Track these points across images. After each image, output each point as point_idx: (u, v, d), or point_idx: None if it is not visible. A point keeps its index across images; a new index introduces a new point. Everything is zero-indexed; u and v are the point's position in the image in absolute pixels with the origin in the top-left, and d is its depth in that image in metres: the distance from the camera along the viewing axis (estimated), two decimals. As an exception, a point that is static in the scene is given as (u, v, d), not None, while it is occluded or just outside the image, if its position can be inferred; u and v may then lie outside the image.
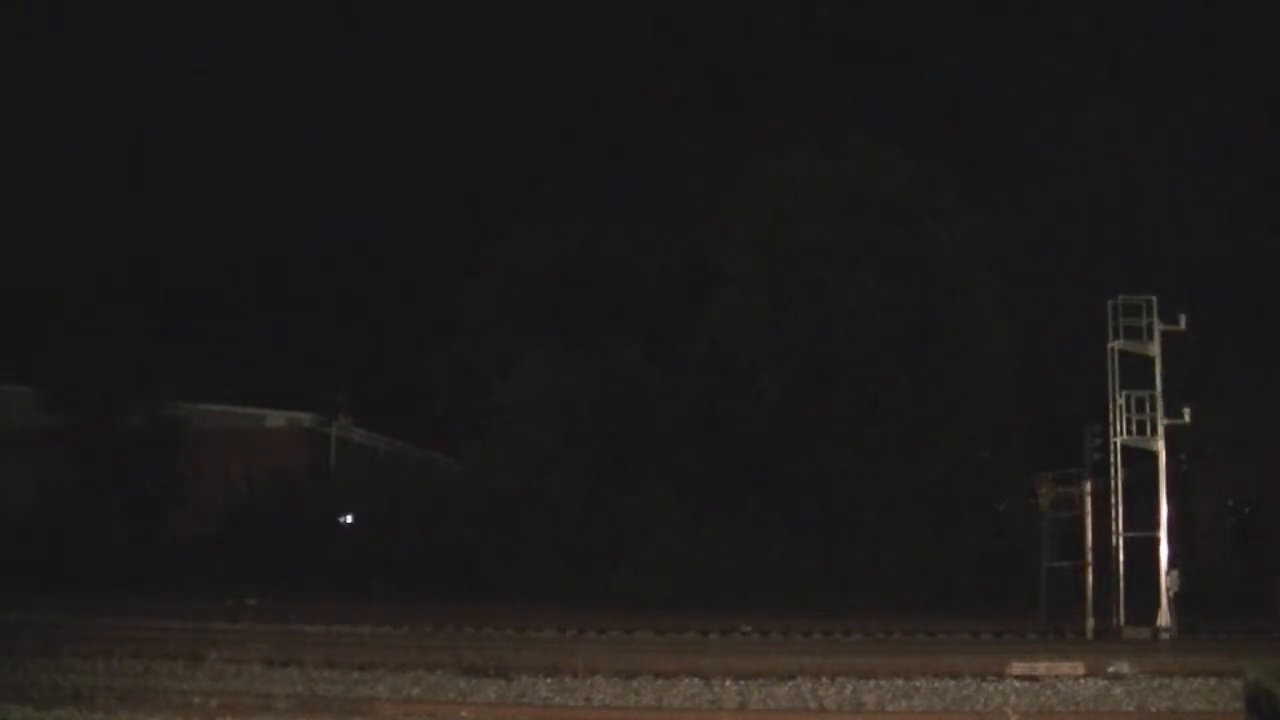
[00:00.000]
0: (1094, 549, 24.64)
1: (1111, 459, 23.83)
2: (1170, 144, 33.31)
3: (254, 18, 37.54)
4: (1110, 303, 23.96)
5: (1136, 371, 23.74)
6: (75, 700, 13.35)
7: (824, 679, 15.46)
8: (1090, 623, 23.41)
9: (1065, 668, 16.10)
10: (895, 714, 14.01)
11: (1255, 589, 28.15)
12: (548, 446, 32.89)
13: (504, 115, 37.15)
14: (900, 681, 15.33)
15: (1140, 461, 24.19)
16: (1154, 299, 23.83)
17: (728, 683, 15.36)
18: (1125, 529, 23.76)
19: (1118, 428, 23.54)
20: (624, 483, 31.79)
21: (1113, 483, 23.80)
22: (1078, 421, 26.61)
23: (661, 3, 36.61)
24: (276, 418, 41.61)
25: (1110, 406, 23.68)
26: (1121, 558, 23.48)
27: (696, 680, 15.45)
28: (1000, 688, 15.20)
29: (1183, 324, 23.71)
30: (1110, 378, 23.75)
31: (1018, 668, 16.09)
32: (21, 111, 35.88)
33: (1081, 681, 15.59)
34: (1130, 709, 14.20)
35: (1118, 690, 15.08)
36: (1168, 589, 22.88)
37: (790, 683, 15.34)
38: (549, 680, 15.41)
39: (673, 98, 36.02)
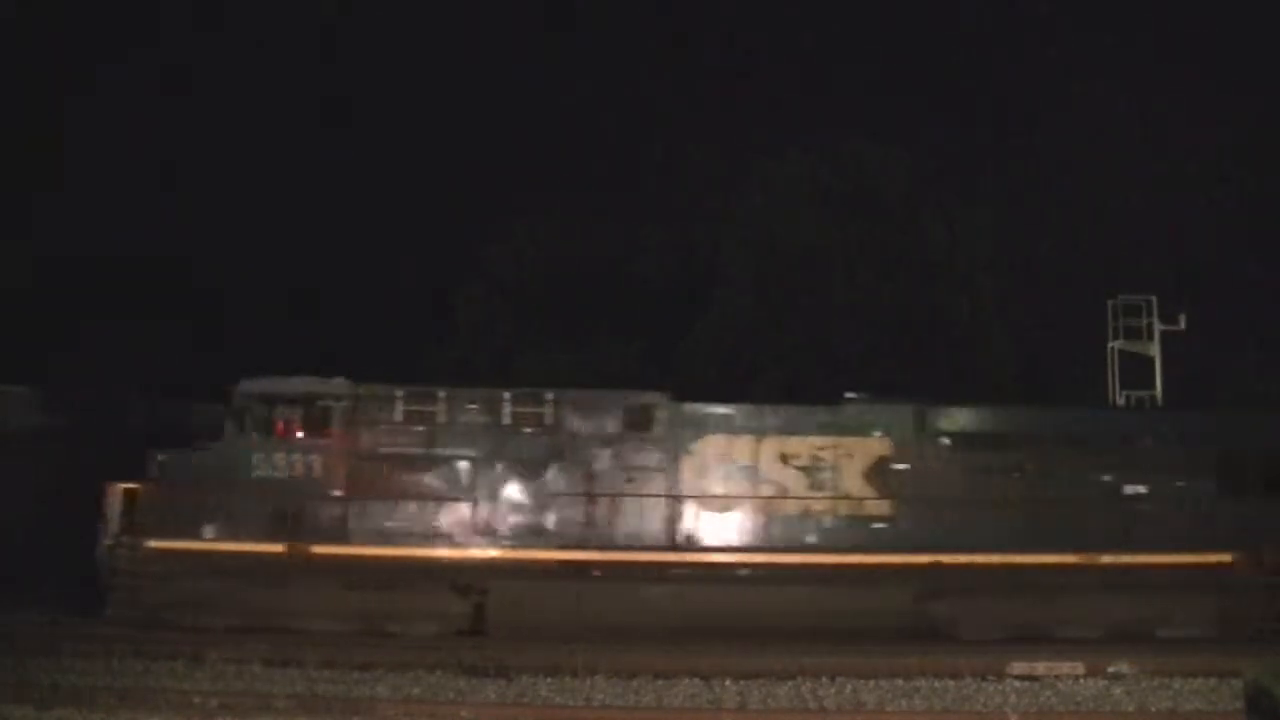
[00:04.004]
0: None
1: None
2: (1171, 142, 33.33)
3: (249, 16, 37.51)
4: (1110, 303, 24.05)
5: (1136, 371, 23.78)
6: (75, 700, 13.36)
7: (824, 679, 15.49)
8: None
9: (1065, 668, 16.13)
10: (895, 714, 14.03)
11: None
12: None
13: (503, 114, 37.12)
14: (900, 681, 15.36)
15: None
16: (1154, 299, 23.90)
17: (728, 683, 15.37)
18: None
19: (1118, 428, 23.53)
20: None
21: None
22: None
23: (661, 2, 36.66)
24: (276, 417, 41.49)
25: (1110, 407, 23.71)
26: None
27: (696, 680, 15.47)
28: (1000, 688, 15.23)
29: (1182, 324, 23.79)
30: (1110, 378, 23.80)
31: (1018, 668, 16.12)
32: (20, 109, 35.86)
33: (1081, 681, 15.62)
34: (1130, 709, 14.23)
35: (1118, 690, 15.10)
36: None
37: (790, 683, 15.36)
38: (549, 680, 15.42)
39: (672, 97, 36.00)
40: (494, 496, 19.65)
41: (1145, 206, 33.10)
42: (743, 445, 20.10)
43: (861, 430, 20.19)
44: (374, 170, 37.35)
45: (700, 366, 32.47)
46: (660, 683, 15.34)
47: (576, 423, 20.05)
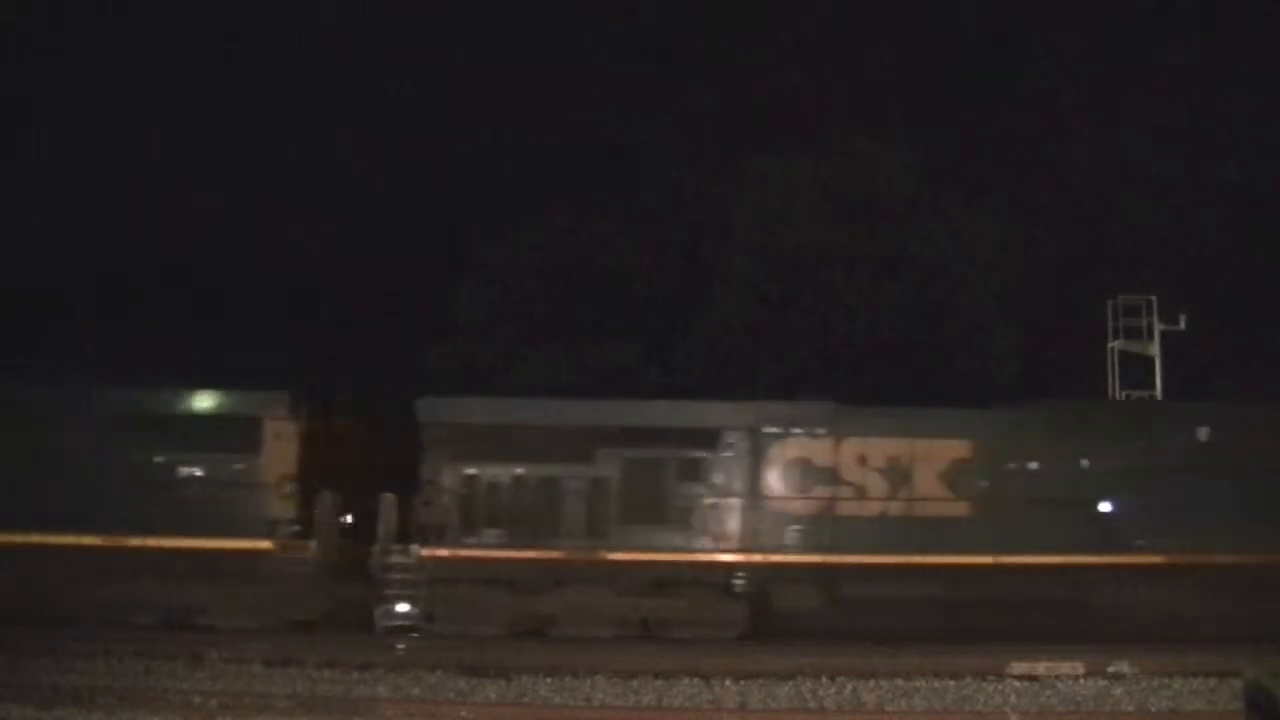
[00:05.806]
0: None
1: (1112, 459, 23.80)
2: (1171, 140, 33.29)
3: (248, 15, 37.58)
4: (1110, 303, 24.04)
5: (1136, 371, 23.77)
6: (75, 700, 13.38)
7: (824, 679, 15.50)
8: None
9: (1065, 668, 16.16)
10: (895, 714, 14.05)
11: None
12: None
13: (503, 113, 37.15)
14: (900, 681, 15.38)
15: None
16: (1154, 299, 23.90)
17: (728, 683, 15.39)
18: (1125, 529, 23.74)
19: (1118, 428, 23.50)
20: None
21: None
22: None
23: (661, 3, 36.62)
24: (277, 417, 41.32)
25: (1110, 407, 23.67)
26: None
27: (696, 680, 15.49)
28: (1000, 688, 15.26)
29: (1182, 324, 23.78)
30: (1110, 378, 23.79)
31: (1018, 668, 16.15)
32: (23, 107, 35.90)
33: (1081, 681, 15.65)
34: (1130, 709, 14.25)
35: (1118, 690, 15.13)
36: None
37: (790, 683, 15.38)
38: (549, 680, 15.44)
39: (672, 97, 35.92)
40: None
41: (1145, 206, 33.07)
42: None
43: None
44: (374, 170, 37.34)
45: (700, 366, 32.48)
46: (660, 683, 15.36)
47: None
